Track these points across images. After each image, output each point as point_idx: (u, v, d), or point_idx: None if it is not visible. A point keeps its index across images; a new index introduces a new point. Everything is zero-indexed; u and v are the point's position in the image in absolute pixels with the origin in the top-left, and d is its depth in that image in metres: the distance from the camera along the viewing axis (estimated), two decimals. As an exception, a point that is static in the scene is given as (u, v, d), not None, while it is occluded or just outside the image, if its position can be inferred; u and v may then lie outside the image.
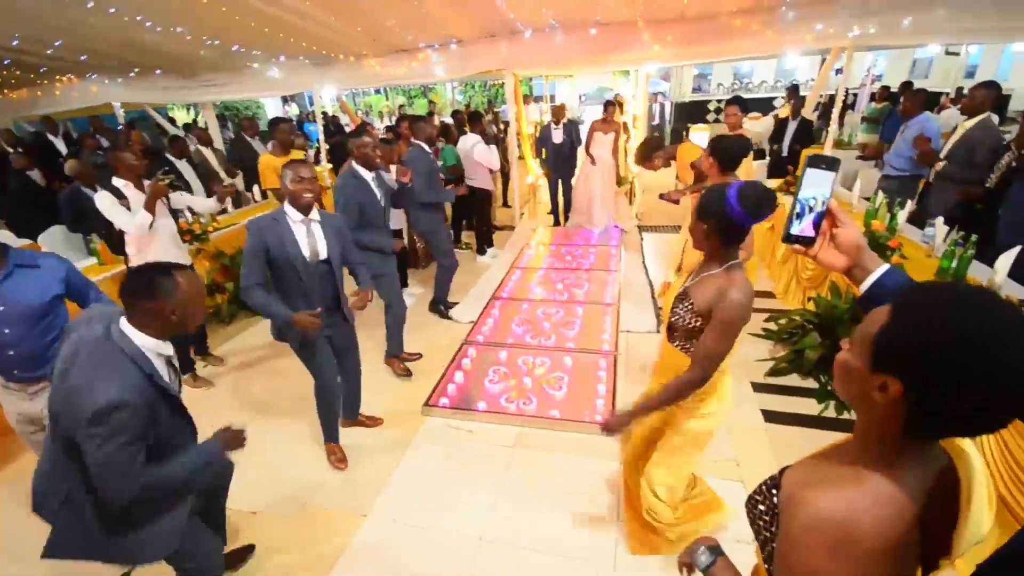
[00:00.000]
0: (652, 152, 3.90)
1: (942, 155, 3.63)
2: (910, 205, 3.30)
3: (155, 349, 1.44)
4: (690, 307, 1.56)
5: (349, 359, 2.74)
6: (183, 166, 5.34)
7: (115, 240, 3.06)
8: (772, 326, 3.48)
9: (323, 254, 2.37)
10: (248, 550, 2.17)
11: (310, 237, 2.34)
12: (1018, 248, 2.28)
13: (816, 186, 0.87)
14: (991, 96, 3.43)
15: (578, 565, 2.05)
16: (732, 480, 2.36)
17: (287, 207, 2.31)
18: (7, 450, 2.84)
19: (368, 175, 3.05)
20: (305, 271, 2.32)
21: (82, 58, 5.51)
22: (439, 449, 2.75)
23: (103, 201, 2.90)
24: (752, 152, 4.73)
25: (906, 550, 0.65)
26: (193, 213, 4.23)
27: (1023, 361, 0.57)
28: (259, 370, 3.66)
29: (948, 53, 9.20)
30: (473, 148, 5.03)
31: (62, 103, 7.46)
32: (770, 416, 2.80)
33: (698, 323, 1.55)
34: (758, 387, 3.04)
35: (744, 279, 1.48)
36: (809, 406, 2.85)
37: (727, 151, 2.52)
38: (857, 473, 0.68)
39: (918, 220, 3.45)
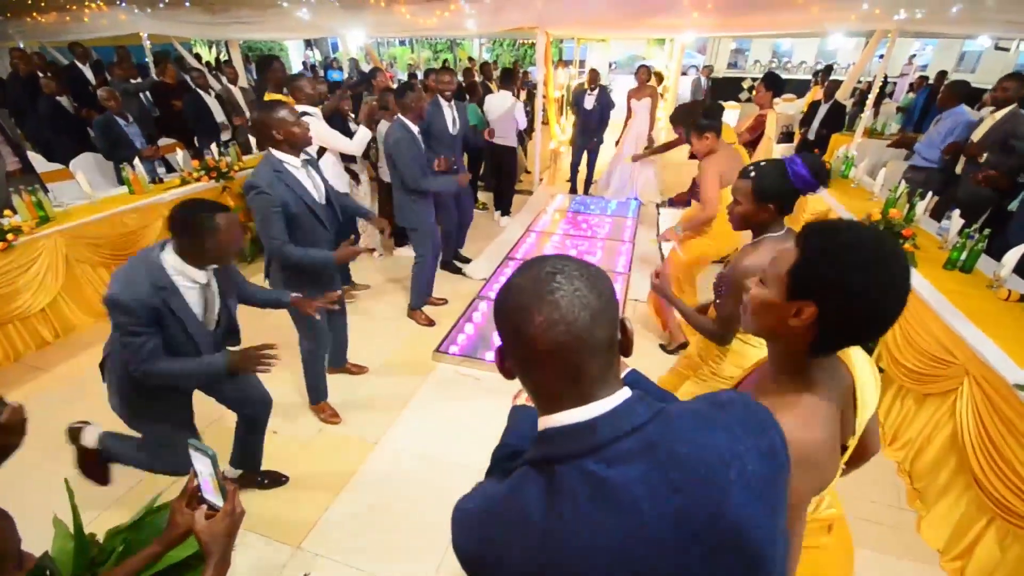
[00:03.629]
0: (689, 117, 3.13)
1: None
2: (931, 196, 3.30)
3: (187, 273, 1.61)
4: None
5: (339, 311, 2.72)
6: (211, 101, 5.39)
7: None
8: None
9: (324, 196, 2.32)
10: (284, 477, 2.33)
11: (312, 180, 2.26)
12: (1026, 244, 2.32)
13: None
14: (1021, 87, 3.37)
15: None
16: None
17: (280, 155, 2.14)
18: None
19: (415, 128, 3.06)
20: (323, 215, 2.26)
21: (114, -16, 5.49)
22: (447, 391, 2.92)
23: (317, 127, 3.00)
24: (777, 130, 4.63)
25: (837, 442, 0.84)
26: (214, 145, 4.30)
27: (896, 274, 0.75)
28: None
29: (998, 48, 8.82)
30: (514, 107, 4.97)
31: (90, 30, 7.44)
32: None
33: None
34: (757, 362, 3.14)
35: (759, 250, 1.53)
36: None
37: (706, 125, 2.72)
38: (790, 398, 0.83)
39: (940, 212, 3.45)
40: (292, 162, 2.17)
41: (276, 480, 2.31)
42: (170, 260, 1.59)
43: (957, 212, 2.83)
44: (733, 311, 1.56)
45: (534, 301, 0.58)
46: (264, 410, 2.13)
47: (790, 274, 0.80)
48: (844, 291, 0.75)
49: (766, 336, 0.89)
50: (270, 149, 2.16)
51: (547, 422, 0.62)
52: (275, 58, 4.04)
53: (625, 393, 0.62)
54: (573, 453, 0.59)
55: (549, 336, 0.57)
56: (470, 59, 11.56)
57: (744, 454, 0.59)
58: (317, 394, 2.69)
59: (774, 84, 4.32)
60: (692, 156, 3.01)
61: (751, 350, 1.73)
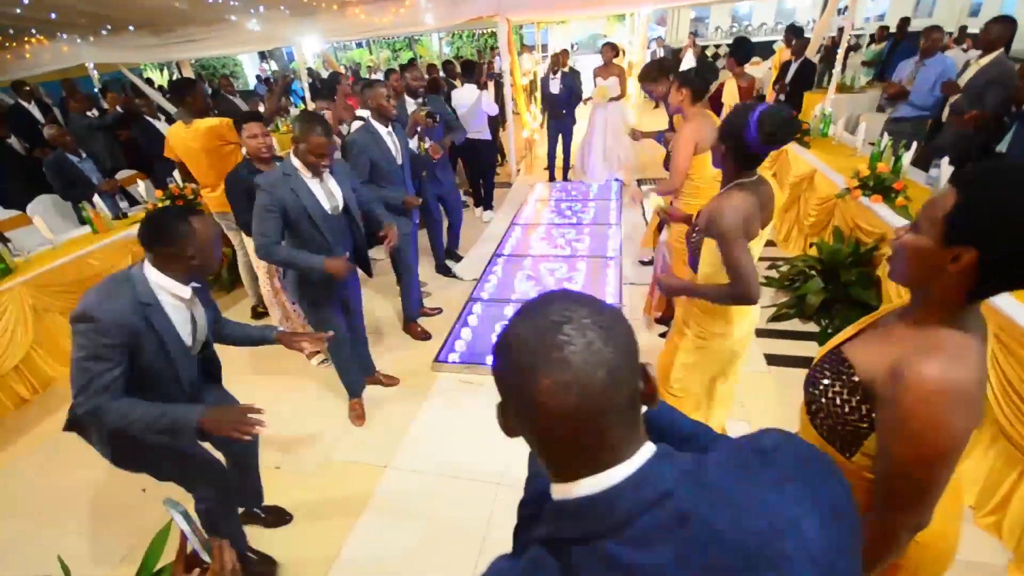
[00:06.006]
0: (660, 75, 3.05)
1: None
2: (915, 146, 3.26)
3: (169, 288, 1.48)
4: (694, 230, 1.62)
5: (357, 318, 2.75)
6: (163, 127, 5.15)
7: None
8: (774, 274, 3.51)
9: (341, 204, 2.33)
10: (288, 516, 2.21)
11: (326, 188, 2.28)
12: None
13: None
14: (1007, 31, 3.33)
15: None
16: (737, 419, 2.47)
17: (297, 162, 2.19)
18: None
19: (383, 129, 2.91)
20: (326, 226, 2.27)
21: (52, 16, 5.20)
22: (451, 402, 2.82)
23: None
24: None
25: (986, 381, 0.80)
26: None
27: None
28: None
29: (954, -12, 8.85)
30: (480, 100, 4.81)
31: (33, 66, 7.09)
32: (772, 359, 2.88)
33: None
34: (761, 332, 3.09)
35: (737, 194, 1.48)
36: (810, 349, 2.91)
37: (695, 81, 2.59)
38: (935, 338, 0.80)
39: (923, 162, 3.41)
40: (305, 172, 2.20)
41: (280, 518, 2.20)
42: (151, 275, 1.47)
43: (946, 159, 2.79)
44: (735, 260, 1.48)
45: (540, 360, 0.49)
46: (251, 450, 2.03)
47: (947, 218, 0.76)
48: (1010, 234, 0.71)
49: (916, 285, 0.85)
50: (291, 153, 2.20)
51: (559, 492, 0.53)
52: (193, 81, 3.57)
53: (647, 452, 0.52)
54: (590, 534, 0.50)
55: (558, 402, 0.48)
56: (458, 58, 10.81)
57: (801, 518, 0.49)
58: (352, 388, 2.73)
59: (736, 51, 4.36)
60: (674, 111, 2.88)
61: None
